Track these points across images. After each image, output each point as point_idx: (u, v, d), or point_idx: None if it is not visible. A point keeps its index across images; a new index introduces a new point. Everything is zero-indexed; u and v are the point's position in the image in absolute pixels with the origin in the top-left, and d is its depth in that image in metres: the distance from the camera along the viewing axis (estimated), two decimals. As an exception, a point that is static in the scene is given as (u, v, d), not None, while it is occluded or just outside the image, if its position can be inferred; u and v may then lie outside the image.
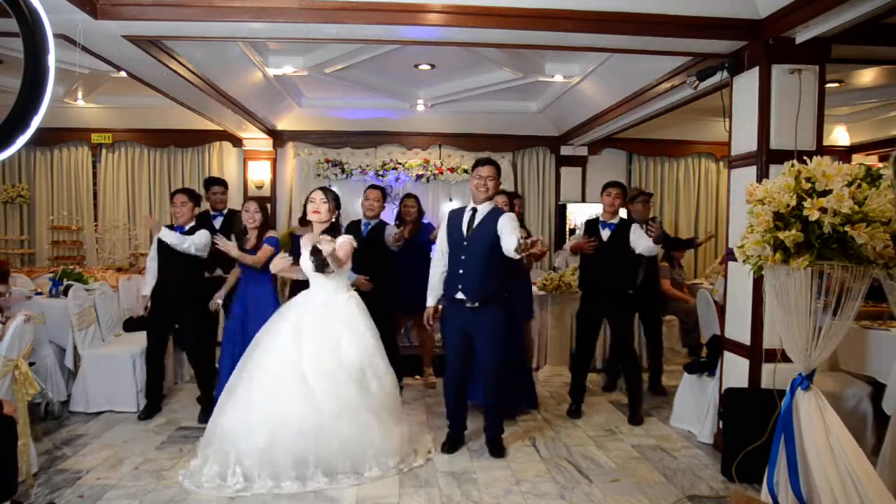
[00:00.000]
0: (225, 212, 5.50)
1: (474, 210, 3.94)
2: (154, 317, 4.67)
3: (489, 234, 3.81)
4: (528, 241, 3.58)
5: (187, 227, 4.61)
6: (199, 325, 4.69)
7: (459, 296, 3.88)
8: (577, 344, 4.85)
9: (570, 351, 6.27)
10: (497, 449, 4.00)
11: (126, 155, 8.02)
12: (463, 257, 3.88)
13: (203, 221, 5.36)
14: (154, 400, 4.70)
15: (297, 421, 3.42)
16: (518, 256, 3.69)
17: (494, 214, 3.88)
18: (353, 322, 3.78)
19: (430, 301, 4.11)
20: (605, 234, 4.63)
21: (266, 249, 4.38)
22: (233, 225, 5.20)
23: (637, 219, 5.02)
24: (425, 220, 5.60)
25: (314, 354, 3.58)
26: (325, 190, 3.99)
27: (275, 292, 4.70)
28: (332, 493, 3.38)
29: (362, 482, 3.50)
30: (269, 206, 7.37)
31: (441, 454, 3.97)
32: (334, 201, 3.95)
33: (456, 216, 4.02)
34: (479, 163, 3.97)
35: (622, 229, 4.60)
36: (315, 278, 3.83)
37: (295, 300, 3.92)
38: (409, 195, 5.60)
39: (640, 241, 4.49)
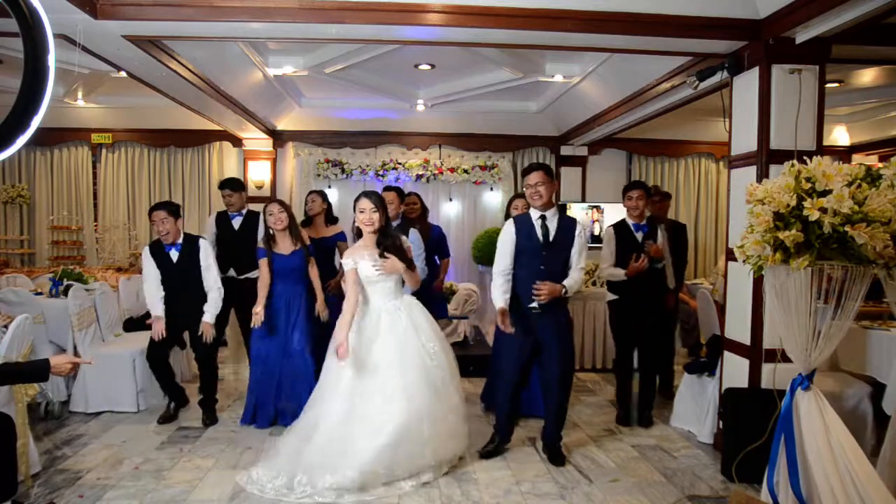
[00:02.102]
0: (244, 211, 5.29)
1: (542, 217, 3.83)
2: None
3: (567, 243, 3.80)
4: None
5: (179, 243, 4.39)
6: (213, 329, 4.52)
7: (532, 304, 3.78)
8: (618, 349, 4.81)
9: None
10: (558, 456, 3.89)
11: (126, 155, 8.02)
12: (542, 267, 3.78)
13: (221, 223, 5.30)
14: (178, 398, 4.61)
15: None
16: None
17: (569, 225, 3.84)
18: (427, 321, 3.80)
19: (502, 303, 3.83)
20: (640, 236, 4.57)
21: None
22: (252, 224, 5.14)
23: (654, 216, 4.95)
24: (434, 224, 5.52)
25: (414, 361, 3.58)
26: (372, 195, 3.71)
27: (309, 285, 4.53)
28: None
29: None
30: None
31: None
32: (384, 208, 3.72)
33: (524, 222, 3.89)
34: (525, 171, 3.88)
35: (655, 229, 4.57)
36: (379, 287, 3.71)
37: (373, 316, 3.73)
38: (412, 193, 5.49)
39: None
